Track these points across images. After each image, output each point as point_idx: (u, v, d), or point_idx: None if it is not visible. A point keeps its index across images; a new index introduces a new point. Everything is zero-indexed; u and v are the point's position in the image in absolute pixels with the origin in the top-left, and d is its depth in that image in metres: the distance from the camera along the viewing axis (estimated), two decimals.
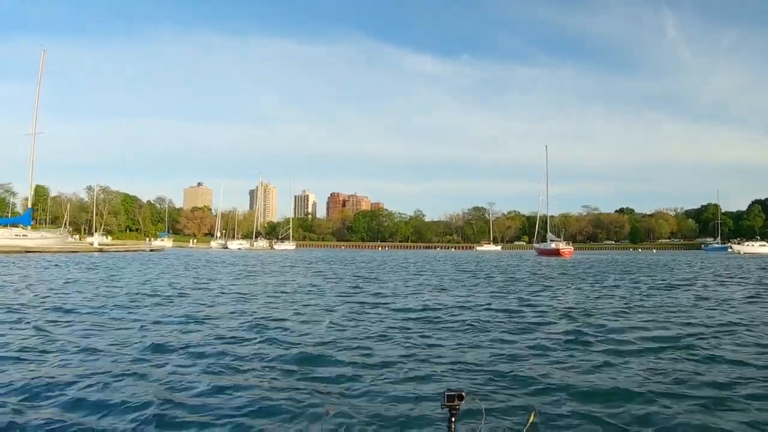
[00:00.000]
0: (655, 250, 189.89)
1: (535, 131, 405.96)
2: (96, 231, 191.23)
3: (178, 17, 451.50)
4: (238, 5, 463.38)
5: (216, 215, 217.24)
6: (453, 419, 5.06)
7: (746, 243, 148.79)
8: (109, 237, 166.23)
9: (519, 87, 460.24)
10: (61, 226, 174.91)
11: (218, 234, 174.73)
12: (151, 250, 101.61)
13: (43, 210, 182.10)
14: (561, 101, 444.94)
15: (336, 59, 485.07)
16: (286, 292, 26.39)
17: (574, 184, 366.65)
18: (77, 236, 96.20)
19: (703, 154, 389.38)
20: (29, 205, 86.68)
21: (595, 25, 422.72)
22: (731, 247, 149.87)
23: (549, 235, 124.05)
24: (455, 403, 4.98)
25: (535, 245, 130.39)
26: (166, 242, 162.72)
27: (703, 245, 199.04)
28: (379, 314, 18.46)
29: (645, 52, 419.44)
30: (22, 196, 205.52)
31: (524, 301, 23.17)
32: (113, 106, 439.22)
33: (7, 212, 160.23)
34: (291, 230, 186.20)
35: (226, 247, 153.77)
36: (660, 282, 35.58)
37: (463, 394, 4.98)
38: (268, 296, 24.41)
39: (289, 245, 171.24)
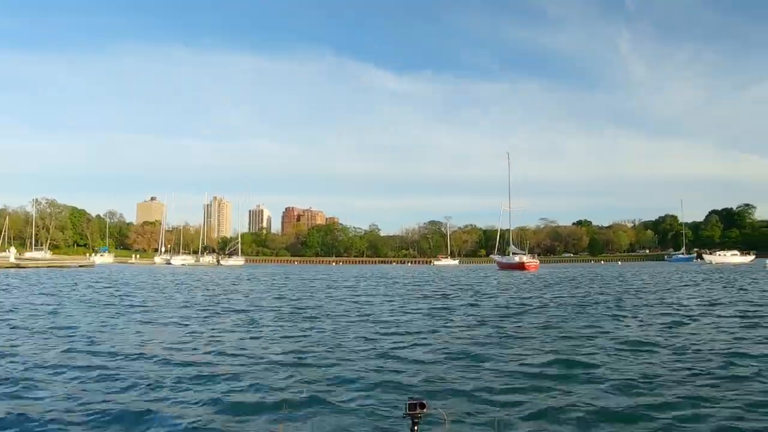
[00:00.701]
0: (620, 262, 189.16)
1: (494, 146, 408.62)
2: (42, 245, 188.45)
3: (144, 31, 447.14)
4: (202, 20, 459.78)
5: (168, 230, 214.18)
6: (415, 428, 5.11)
7: (718, 253, 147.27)
8: (48, 252, 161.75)
9: (481, 103, 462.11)
10: (8, 241, 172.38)
11: (162, 249, 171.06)
12: (80, 266, 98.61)
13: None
14: (520, 117, 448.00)
15: (299, 75, 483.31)
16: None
17: (531, 198, 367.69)
18: (12, 250, 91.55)
19: (658, 167, 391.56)
20: None
21: (554, 42, 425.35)
22: (701, 257, 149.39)
23: (512, 248, 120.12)
24: (417, 412, 5.01)
25: (496, 258, 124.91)
26: (107, 258, 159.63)
27: (666, 256, 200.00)
28: None
29: (602, 68, 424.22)
30: None
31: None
32: (72, 119, 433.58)
33: None
34: (240, 245, 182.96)
35: (170, 263, 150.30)
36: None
37: (425, 402, 5.00)
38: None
39: (237, 260, 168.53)
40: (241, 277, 72.80)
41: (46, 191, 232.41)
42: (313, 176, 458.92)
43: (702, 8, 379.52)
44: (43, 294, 36.59)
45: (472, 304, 30.67)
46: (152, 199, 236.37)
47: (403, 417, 5.10)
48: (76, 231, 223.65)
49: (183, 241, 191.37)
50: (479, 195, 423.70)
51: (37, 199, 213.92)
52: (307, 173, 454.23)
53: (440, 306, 29.76)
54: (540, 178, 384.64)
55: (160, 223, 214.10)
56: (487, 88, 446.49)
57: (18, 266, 78.59)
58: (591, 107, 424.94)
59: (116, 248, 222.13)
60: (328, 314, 24.88)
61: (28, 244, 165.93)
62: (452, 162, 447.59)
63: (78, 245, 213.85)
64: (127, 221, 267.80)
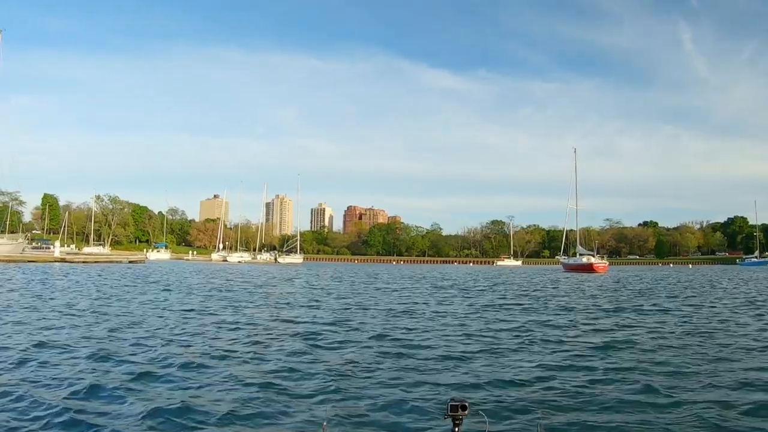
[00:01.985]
0: (690, 266, 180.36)
1: (553, 146, 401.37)
2: (104, 241, 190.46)
3: (195, 33, 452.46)
4: (255, 21, 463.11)
5: (230, 227, 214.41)
6: (456, 429, 4.98)
7: None
8: (108, 248, 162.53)
9: (536, 102, 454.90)
10: (73, 236, 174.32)
11: (220, 246, 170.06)
12: (130, 262, 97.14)
13: (52, 219, 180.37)
14: (579, 116, 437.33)
15: (354, 75, 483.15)
16: None
17: (594, 199, 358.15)
18: (57, 244, 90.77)
19: (724, 167, 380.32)
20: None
21: (612, 39, 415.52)
22: None
23: (579, 248, 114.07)
24: (458, 414, 4.91)
25: (562, 260, 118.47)
26: (163, 254, 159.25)
27: (738, 260, 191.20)
28: None
29: (663, 66, 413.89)
30: (32, 205, 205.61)
31: None
32: (132, 120, 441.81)
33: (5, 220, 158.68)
34: (299, 242, 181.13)
35: (226, 260, 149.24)
36: None
37: (467, 404, 4.90)
38: None
39: (295, 258, 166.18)
40: (288, 276, 69.78)
41: (110, 189, 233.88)
42: (374, 175, 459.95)
43: (766, 4, 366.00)
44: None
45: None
46: (215, 197, 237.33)
47: (444, 418, 4.98)
48: (138, 227, 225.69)
49: (244, 239, 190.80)
50: (540, 195, 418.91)
51: (99, 196, 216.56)
52: (368, 172, 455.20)
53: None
54: (599, 178, 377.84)
55: (221, 221, 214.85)
56: (542, 87, 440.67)
57: (63, 260, 77.13)
58: (649, 106, 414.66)
59: (178, 245, 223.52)
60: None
61: (91, 240, 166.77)
62: (510, 161, 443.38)
63: (140, 241, 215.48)
64: (190, 218, 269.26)
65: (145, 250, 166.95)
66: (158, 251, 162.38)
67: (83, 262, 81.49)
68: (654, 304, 31.49)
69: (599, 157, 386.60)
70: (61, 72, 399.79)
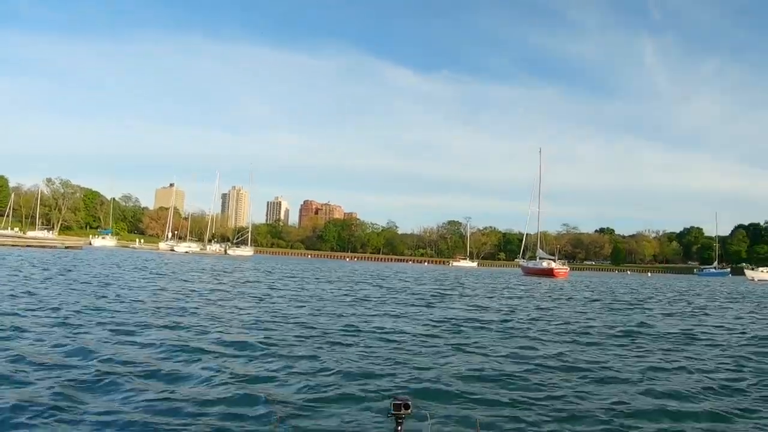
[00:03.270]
0: (649, 273, 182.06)
1: (513, 150, 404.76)
2: (54, 225, 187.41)
3: (167, 20, 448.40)
4: (225, 12, 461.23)
5: (185, 217, 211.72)
6: (399, 428, 5.03)
7: (761, 269, 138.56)
8: (55, 233, 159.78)
9: (498, 105, 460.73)
10: (21, 220, 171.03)
11: (169, 235, 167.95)
12: (67, 247, 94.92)
13: (0, 201, 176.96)
14: (540, 122, 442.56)
15: (319, 70, 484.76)
16: None
17: (551, 204, 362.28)
18: (17, 229, 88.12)
19: (680, 179, 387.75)
20: None
21: (576, 48, 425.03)
22: (740, 272, 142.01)
23: (540, 252, 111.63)
24: (401, 412, 4.98)
25: (522, 263, 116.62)
26: (108, 241, 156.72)
27: (696, 270, 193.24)
28: None
29: (625, 77, 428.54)
30: None
31: None
32: (93, 105, 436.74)
33: None
34: (250, 234, 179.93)
35: (173, 250, 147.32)
36: None
37: (410, 403, 4.97)
38: None
39: (245, 251, 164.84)
40: (224, 268, 68.77)
41: (66, 174, 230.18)
42: (332, 171, 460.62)
43: (730, 22, 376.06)
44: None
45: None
46: (171, 185, 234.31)
47: (388, 417, 5.05)
48: (89, 213, 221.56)
49: (197, 229, 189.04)
50: (497, 197, 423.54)
51: (50, 179, 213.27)
52: (327, 168, 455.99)
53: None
54: (557, 184, 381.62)
55: (176, 209, 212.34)
56: (505, 91, 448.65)
57: None
58: (610, 116, 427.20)
59: (130, 232, 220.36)
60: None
61: (36, 223, 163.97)
62: (469, 163, 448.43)
63: (91, 227, 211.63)
64: (144, 206, 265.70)
65: (90, 236, 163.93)
66: (103, 238, 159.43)
67: (11, 245, 79.41)
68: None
69: (558, 163, 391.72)
70: (18, 53, 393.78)
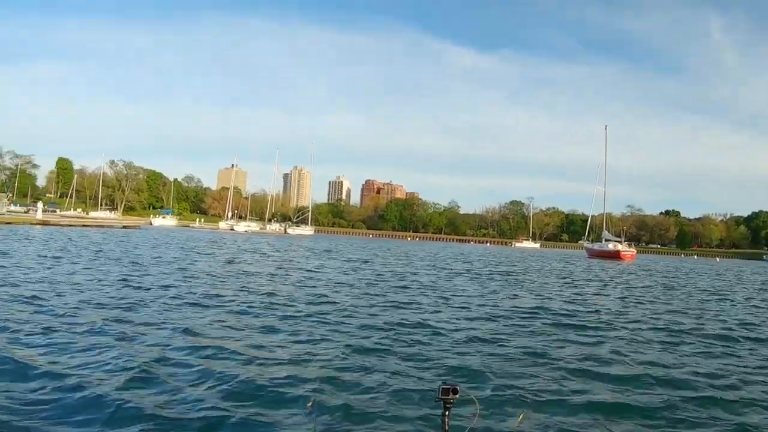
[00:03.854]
0: (717, 258, 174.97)
1: (575, 130, 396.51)
2: (118, 206, 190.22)
3: (225, 2, 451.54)
4: None
5: (246, 197, 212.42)
6: (447, 413, 4.96)
7: None
8: (118, 213, 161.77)
9: (560, 85, 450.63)
10: (86, 201, 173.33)
11: (229, 214, 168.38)
12: (124, 227, 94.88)
13: (66, 183, 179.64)
14: (603, 102, 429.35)
15: (380, 51, 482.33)
16: None
17: (614, 186, 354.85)
18: (39, 205, 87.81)
19: (748, 161, 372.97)
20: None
21: (640, 25, 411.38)
22: None
23: (606, 233, 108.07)
24: (449, 397, 4.87)
25: (587, 245, 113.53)
26: (168, 220, 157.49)
27: (765, 255, 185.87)
28: None
29: (691, 55, 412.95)
30: (46, 168, 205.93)
31: None
32: (156, 88, 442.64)
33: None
34: (310, 213, 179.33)
35: (233, 229, 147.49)
36: None
37: (458, 388, 4.88)
38: None
39: (305, 230, 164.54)
40: (274, 247, 66.99)
41: (129, 157, 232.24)
42: (394, 151, 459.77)
43: None
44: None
45: None
46: (233, 166, 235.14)
47: (435, 401, 4.99)
48: (152, 193, 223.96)
49: (259, 209, 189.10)
50: (559, 178, 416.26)
51: (113, 161, 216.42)
52: (388, 148, 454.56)
53: None
54: (620, 165, 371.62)
55: (238, 190, 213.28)
56: (567, 70, 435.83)
57: (45, 223, 74.54)
58: (675, 95, 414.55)
59: (193, 212, 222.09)
60: None
61: (99, 204, 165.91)
62: (530, 143, 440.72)
63: (153, 208, 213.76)
64: (206, 187, 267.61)
65: (151, 216, 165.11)
66: (163, 218, 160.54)
67: (68, 225, 79.00)
68: None
69: (621, 143, 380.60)
70: (82, 40, 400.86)
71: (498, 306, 22.02)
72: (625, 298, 28.99)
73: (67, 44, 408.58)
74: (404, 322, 16.64)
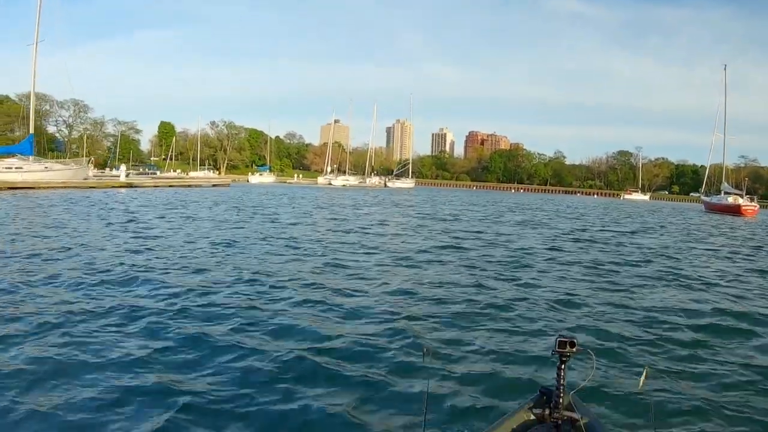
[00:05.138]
0: None
1: (683, 76, 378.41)
2: (221, 166, 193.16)
3: None
4: None
5: (349, 152, 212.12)
6: (563, 366, 4.81)
7: None
8: (215, 172, 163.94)
9: (666, 29, 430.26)
10: (189, 162, 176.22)
11: (328, 169, 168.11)
12: (214, 185, 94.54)
13: (168, 146, 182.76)
14: (712, 46, 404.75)
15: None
16: None
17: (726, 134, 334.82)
18: (123, 168, 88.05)
19: None
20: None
21: None
22: None
23: (725, 186, 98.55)
24: (566, 350, 4.71)
25: (704, 198, 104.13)
26: (266, 177, 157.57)
27: None
28: None
29: None
30: (150, 134, 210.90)
31: None
32: (255, 49, 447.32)
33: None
34: (410, 166, 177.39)
35: (331, 184, 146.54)
36: None
37: (575, 341, 4.71)
38: None
39: (406, 183, 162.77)
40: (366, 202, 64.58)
41: (234, 118, 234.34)
42: (497, 102, 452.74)
43: None
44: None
45: None
46: (336, 121, 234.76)
47: (551, 354, 4.81)
48: (254, 151, 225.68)
49: (363, 164, 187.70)
50: (667, 127, 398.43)
51: (214, 122, 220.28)
52: (491, 99, 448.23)
53: None
54: (732, 113, 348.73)
55: (339, 145, 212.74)
56: (673, 13, 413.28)
57: (130, 185, 74.05)
58: None
59: (295, 168, 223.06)
60: None
61: (197, 164, 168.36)
62: (636, 91, 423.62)
63: (256, 165, 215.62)
64: (308, 143, 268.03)
65: (250, 173, 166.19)
66: (261, 174, 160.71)
67: (154, 186, 78.80)
68: None
69: (732, 89, 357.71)
70: (179, 7, 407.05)
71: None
72: None
73: (165, 12, 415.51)
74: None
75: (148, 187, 76.52)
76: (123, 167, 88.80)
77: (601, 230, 39.60)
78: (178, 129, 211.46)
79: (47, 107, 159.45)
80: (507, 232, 33.53)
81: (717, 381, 8.61)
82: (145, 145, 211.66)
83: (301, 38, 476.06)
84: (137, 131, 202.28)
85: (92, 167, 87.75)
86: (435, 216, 46.59)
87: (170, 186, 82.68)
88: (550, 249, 25.27)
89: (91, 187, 66.13)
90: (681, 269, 20.56)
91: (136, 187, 73.61)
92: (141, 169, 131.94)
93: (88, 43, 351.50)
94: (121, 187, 71.49)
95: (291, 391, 7.56)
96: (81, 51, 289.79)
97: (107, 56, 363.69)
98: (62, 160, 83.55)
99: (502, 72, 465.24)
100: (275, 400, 7.35)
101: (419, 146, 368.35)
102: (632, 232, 38.81)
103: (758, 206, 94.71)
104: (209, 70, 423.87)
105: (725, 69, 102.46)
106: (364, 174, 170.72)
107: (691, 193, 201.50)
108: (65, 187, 61.83)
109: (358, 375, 8.19)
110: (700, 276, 19.03)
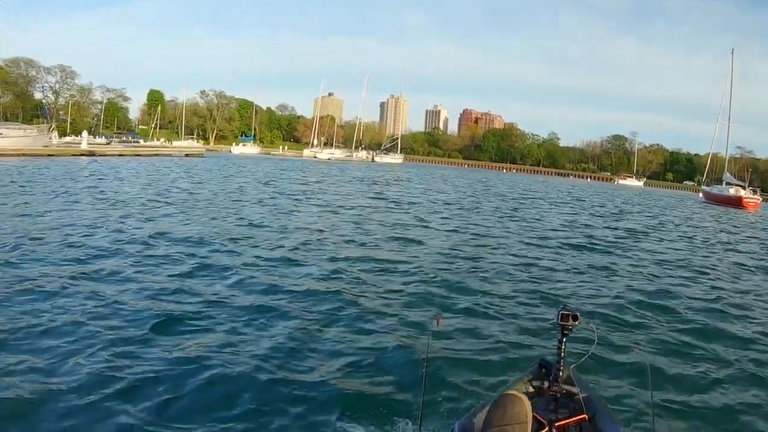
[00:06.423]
0: None
1: (683, 64, 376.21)
2: (210, 136, 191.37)
3: None
4: None
5: (341, 125, 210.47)
6: (564, 339, 4.98)
7: None
8: (200, 141, 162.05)
9: (669, 15, 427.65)
10: (178, 131, 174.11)
11: (314, 141, 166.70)
12: (186, 155, 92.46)
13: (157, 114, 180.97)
14: (715, 34, 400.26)
15: None
16: None
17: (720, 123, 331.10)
18: (84, 134, 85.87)
19: None
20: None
21: None
22: None
23: (727, 176, 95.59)
24: (569, 323, 4.89)
25: (704, 188, 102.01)
26: (249, 148, 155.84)
27: None
28: None
29: None
30: (138, 101, 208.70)
31: None
32: (250, 20, 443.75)
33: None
34: (399, 141, 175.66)
35: (315, 157, 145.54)
36: None
37: (578, 314, 4.88)
38: None
39: (394, 158, 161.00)
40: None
41: (227, 89, 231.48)
42: (493, 80, 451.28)
43: None
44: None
45: None
46: (330, 95, 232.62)
47: (555, 326, 4.98)
48: (243, 122, 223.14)
49: (351, 137, 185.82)
50: (665, 114, 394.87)
51: (204, 91, 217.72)
52: (487, 77, 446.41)
53: None
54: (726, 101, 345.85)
55: (332, 118, 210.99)
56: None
57: (91, 153, 71.98)
58: None
59: (285, 140, 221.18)
60: None
61: (181, 133, 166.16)
62: (634, 76, 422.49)
63: (245, 136, 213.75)
64: (300, 115, 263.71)
65: (234, 144, 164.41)
66: (244, 145, 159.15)
67: (119, 155, 76.80)
68: None
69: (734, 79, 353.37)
70: None
71: None
72: None
73: None
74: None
75: (112, 155, 74.49)
76: (85, 133, 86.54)
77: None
78: (168, 98, 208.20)
79: (33, 73, 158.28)
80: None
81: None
82: (135, 114, 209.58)
83: (298, 10, 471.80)
84: (125, 99, 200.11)
85: (55, 134, 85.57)
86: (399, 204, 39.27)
87: (137, 155, 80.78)
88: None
89: (51, 155, 64.46)
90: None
91: (97, 155, 71.80)
92: (124, 137, 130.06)
93: (88, 11, 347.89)
94: (81, 155, 69.72)
95: (284, 367, 8.05)
96: (77, 19, 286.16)
97: (103, 24, 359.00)
98: (20, 125, 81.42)
99: (501, 51, 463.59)
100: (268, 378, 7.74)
101: (413, 123, 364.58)
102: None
103: (761, 199, 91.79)
104: (204, 40, 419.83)
105: (732, 53, 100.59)
106: (353, 148, 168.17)
107: (685, 182, 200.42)
108: (21, 154, 59.99)
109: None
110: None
